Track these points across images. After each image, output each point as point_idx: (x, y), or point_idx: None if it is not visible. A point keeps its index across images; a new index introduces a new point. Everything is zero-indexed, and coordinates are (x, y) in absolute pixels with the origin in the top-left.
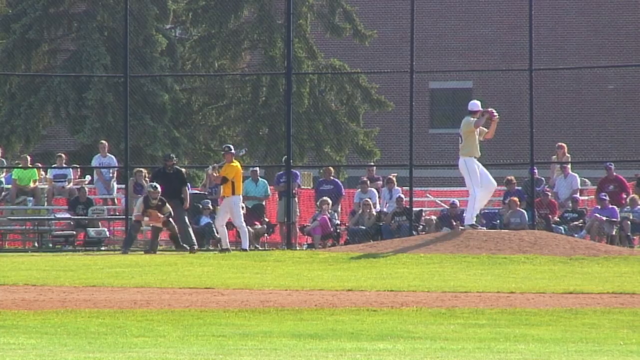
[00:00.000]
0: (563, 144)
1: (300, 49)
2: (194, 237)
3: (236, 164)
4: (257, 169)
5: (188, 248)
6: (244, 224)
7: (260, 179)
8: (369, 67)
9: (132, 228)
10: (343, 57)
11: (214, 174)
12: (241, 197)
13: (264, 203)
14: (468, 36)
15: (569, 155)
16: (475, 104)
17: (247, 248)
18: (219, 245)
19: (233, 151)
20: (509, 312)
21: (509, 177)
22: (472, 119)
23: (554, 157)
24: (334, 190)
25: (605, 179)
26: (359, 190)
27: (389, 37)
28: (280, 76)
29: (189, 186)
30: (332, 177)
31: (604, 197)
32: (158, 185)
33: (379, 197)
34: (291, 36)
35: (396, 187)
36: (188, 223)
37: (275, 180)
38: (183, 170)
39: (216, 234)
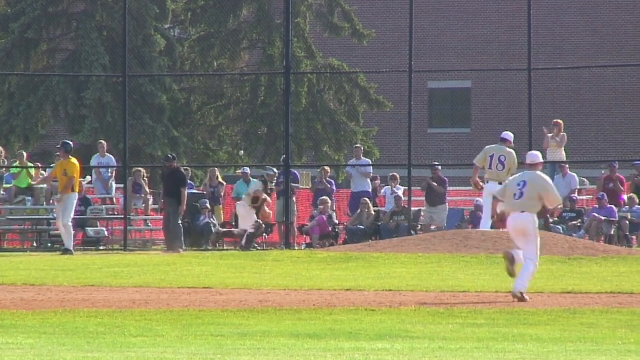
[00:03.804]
0: (559, 121)
1: (299, 48)
2: (182, 239)
3: (74, 161)
4: (248, 169)
5: (174, 249)
6: (71, 224)
7: (252, 179)
8: (367, 66)
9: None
10: (342, 56)
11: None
12: (76, 195)
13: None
14: (467, 36)
15: (564, 133)
16: (510, 135)
17: (72, 249)
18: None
19: (71, 148)
20: (508, 311)
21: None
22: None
23: (550, 134)
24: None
25: (608, 177)
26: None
27: (387, 37)
28: (279, 76)
29: (190, 186)
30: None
31: (601, 196)
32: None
33: (376, 195)
34: (290, 36)
35: (398, 185)
36: (180, 225)
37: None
38: (184, 171)
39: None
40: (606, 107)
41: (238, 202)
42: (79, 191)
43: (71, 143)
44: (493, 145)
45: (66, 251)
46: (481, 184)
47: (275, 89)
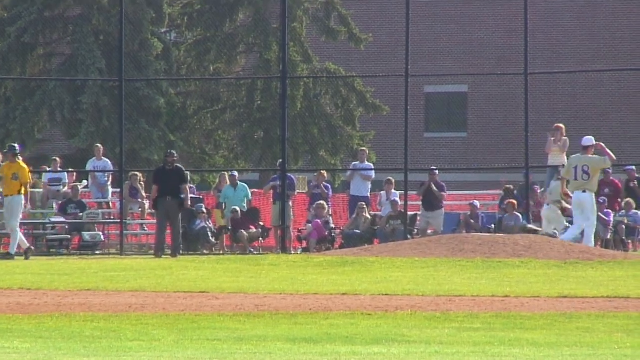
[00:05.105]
0: (561, 125)
1: (296, 52)
2: (180, 242)
3: (24, 164)
4: (236, 173)
5: (172, 254)
6: (18, 227)
7: (239, 183)
8: (364, 70)
9: None
10: (338, 60)
11: None
12: (23, 197)
13: (252, 205)
14: (463, 40)
15: (566, 138)
16: (590, 140)
17: (14, 253)
18: (23, 250)
19: (17, 151)
20: (504, 315)
21: (508, 186)
22: (600, 157)
23: (552, 138)
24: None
25: (601, 181)
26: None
27: (384, 41)
28: (275, 80)
29: (191, 190)
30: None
31: (603, 201)
32: None
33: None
34: (286, 40)
35: (393, 190)
36: (180, 229)
37: (268, 182)
38: (183, 167)
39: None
40: (603, 112)
41: (546, 206)
42: (25, 193)
43: (17, 146)
44: (575, 156)
45: (7, 255)
46: (570, 194)
47: (272, 93)
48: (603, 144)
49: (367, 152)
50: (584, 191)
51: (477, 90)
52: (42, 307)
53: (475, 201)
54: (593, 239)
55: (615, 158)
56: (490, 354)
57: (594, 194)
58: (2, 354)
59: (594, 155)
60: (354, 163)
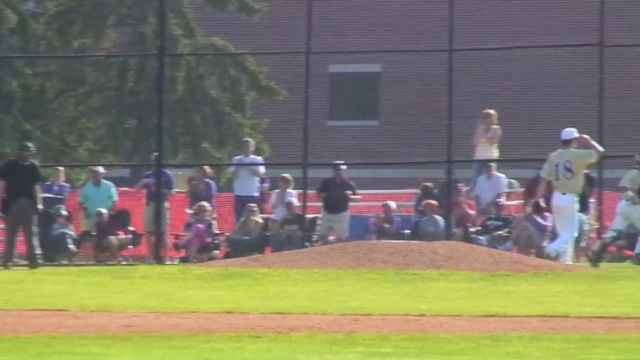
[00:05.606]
0: (491, 111)
1: (176, 25)
2: (37, 250)
3: None
4: (100, 167)
5: (33, 264)
6: None
7: (103, 180)
8: (257, 47)
9: None
10: (227, 35)
11: None
12: None
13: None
14: (376, 11)
15: (497, 126)
16: (571, 132)
17: None
18: None
19: None
20: (419, 338)
21: (426, 184)
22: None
23: (483, 126)
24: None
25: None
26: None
27: (281, 12)
28: (151, 58)
29: (63, 188)
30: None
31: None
32: None
33: (263, 201)
34: (165, 10)
35: (289, 190)
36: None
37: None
38: (37, 164)
39: None
40: (542, 95)
41: (623, 202)
42: None
43: None
44: (555, 152)
45: None
46: (543, 204)
47: (147, 73)
48: (587, 136)
49: (253, 142)
50: (564, 193)
51: (391, 71)
52: None
53: (390, 202)
54: (569, 254)
55: (603, 150)
56: None
57: (575, 197)
58: None
59: (577, 149)
60: (236, 157)
